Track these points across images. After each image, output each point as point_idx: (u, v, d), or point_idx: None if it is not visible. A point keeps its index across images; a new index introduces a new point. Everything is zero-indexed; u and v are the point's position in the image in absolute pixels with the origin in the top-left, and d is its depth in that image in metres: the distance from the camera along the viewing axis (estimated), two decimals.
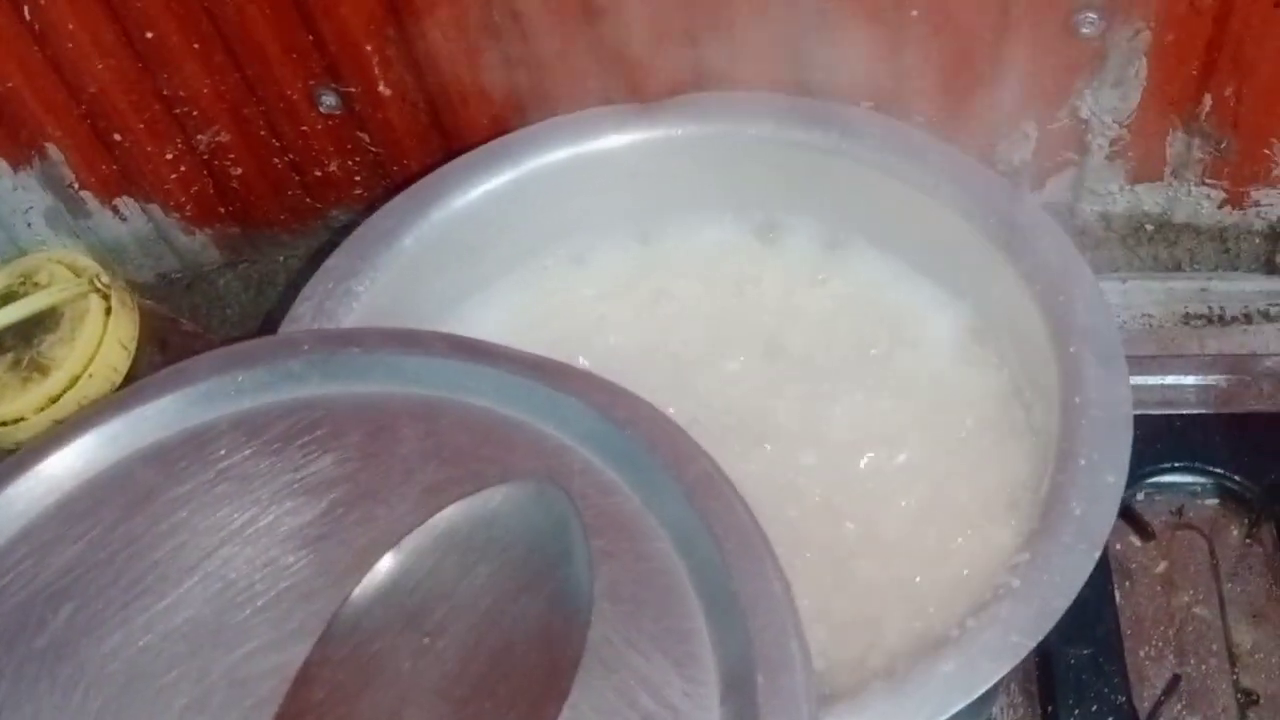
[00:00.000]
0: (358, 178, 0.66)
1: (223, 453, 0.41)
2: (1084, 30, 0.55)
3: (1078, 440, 0.40)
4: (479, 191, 0.52)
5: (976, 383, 0.47)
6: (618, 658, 0.35)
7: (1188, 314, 0.62)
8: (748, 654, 0.35)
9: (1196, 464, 0.53)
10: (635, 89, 0.59)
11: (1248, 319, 0.62)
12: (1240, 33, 0.54)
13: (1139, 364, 0.57)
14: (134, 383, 0.45)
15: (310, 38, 0.59)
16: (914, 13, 0.55)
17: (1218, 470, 0.52)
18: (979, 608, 0.37)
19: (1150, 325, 0.62)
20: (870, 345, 0.49)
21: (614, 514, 0.38)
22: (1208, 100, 0.58)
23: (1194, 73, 0.57)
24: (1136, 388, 0.56)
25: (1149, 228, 0.64)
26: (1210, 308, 0.63)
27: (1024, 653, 0.37)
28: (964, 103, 0.59)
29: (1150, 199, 0.63)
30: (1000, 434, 0.46)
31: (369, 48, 0.59)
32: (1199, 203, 0.63)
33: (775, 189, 0.52)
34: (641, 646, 0.35)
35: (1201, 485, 0.53)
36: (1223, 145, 0.60)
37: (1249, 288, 0.63)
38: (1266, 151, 0.60)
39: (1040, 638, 0.37)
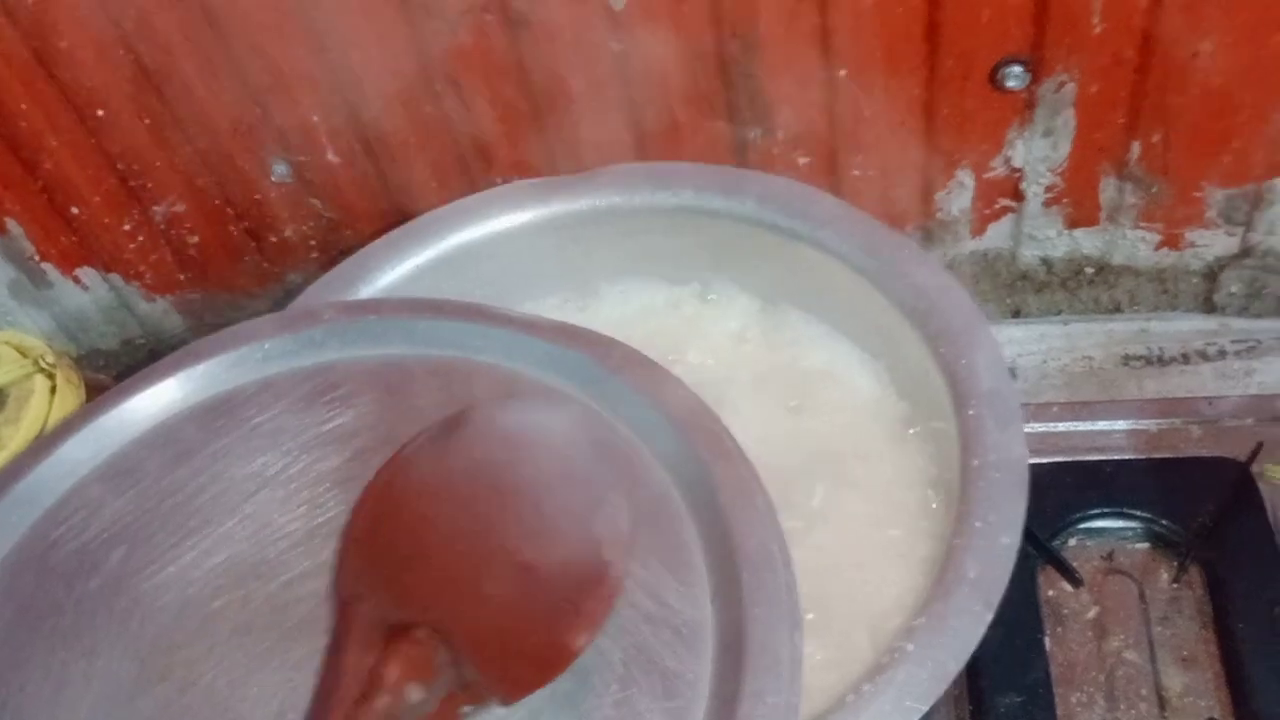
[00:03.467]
0: (313, 241, 0.67)
1: (254, 411, 0.46)
2: (1010, 84, 0.56)
3: (974, 502, 0.41)
4: (409, 266, 0.54)
5: (892, 440, 0.48)
6: None
7: (1127, 355, 0.63)
8: (733, 558, 0.39)
9: (1126, 509, 0.53)
10: (574, 156, 0.61)
11: (1185, 359, 0.63)
12: (1162, 83, 0.56)
13: (1071, 411, 0.59)
14: (174, 352, 0.50)
15: (259, 111, 0.60)
16: (842, 72, 0.56)
17: (1146, 515, 0.53)
18: (874, 672, 0.38)
19: (1091, 367, 0.63)
20: (793, 401, 0.50)
21: (612, 448, 0.42)
22: (1136, 148, 0.59)
23: (1121, 121, 0.58)
24: (1068, 434, 0.58)
25: (1089, 270, 0.65)
26: (1149, 348, 0.64)
27: (917, 717, 0.38)
28: (900, 155, 0.61)
29: (1088, 243, 0.64)
30: (911, 492, 0.47)
31: (316, 118, 0.60)
32: (1136, 245, 0.64)
33: (702, 255, 0.53)
34: (641, 557, 0.39)
35: (1131, 530, 0.54)
36: (1154, 190, 0.61)
37: (1187, 327, 0.64)
38: (1198, 195, 0.61)
39: (934, 701, 0.38)
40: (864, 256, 0.49)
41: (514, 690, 0.37)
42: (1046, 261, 0.66)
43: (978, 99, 0.58)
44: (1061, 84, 0.56)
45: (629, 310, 0.54)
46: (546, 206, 0.54)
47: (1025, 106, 0.58)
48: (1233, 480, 0.53)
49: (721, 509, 0.39)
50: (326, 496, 0.43)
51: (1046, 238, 0.64)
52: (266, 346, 0.47)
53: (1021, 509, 0.41)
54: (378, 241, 0.57)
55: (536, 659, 0.37)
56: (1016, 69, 0.56)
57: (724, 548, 0.39)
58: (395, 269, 0.54)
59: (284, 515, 0.42)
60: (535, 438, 0.43)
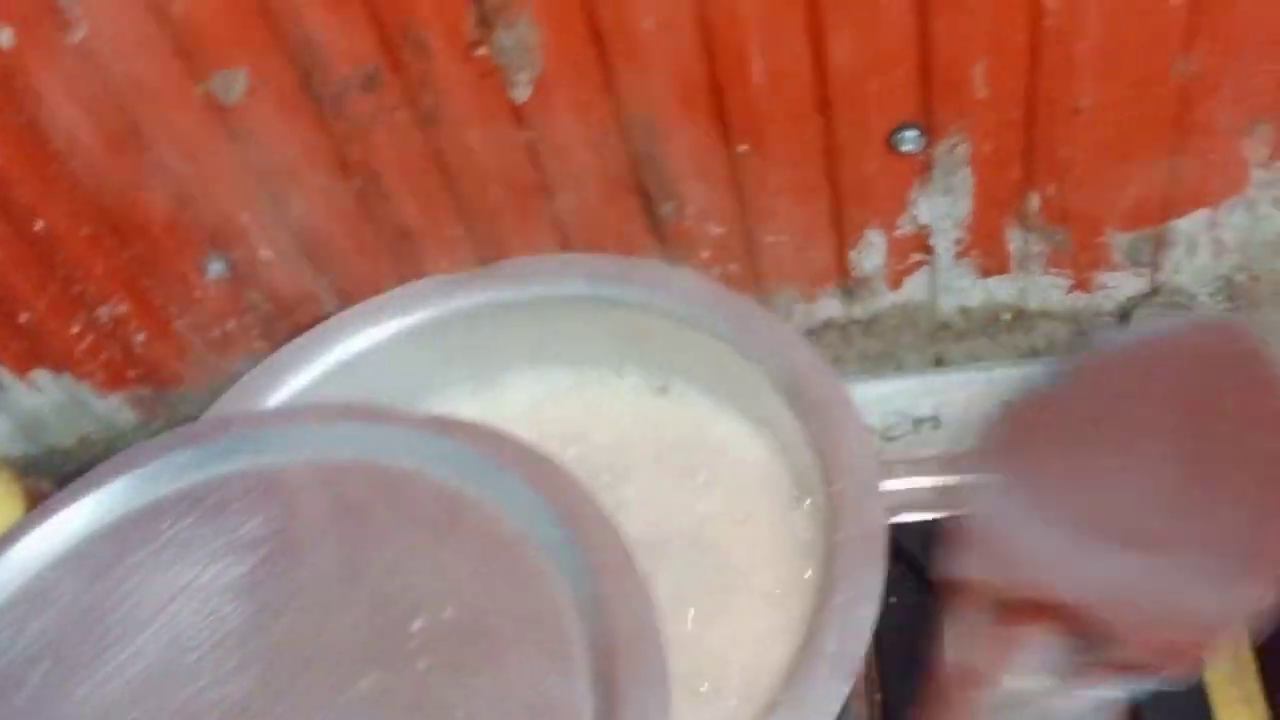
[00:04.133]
0: (256, 332, 0.69)
1: (166, 524, 0.49)
2: (906, 148, 0.59)
3: (836, 576, 0.43)
4: (318, 370, 0.56)
5: (785, 512, 0.50)
6: (504, 656, 0.42)
7: None
8: (611, 645, 0.41)
9: None
10: (498, 241, 0.63)
11: None
12: (1049, 139, 0.58)
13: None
14: (89, 471, 0.53)
15: (190, 213, 0.62)
16: (742, 148, 0.59)
17: None
18: None
19: None
20: (691, 478, 0.52)
21: (500, 541, 0.45)
22: (1035, 199, 0.61)
23: (1017, 177, 0.60)
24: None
25: (1006, 317, 0.67)
26: None
27: None
28: (809, 220, 0.63)
29: (1003, 290, 0.66)
30: (794, 565, 0.48)
31: (245, 217, 0.63)
32: (1049, 290, 0.66)
33: (602, 340, 0.56)
34: (525, 649, 0.42)
35: None
36: (1058, 238, 0.63)
37: None
38: (1101, 240, 0.63)
39: None
40: (741, 337, 0.51)
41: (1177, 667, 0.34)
42: (964, 310, 0.68)
43: (877, 163, 0.60)
44: (955, 145, 0.59)
45: (536, 395, 0.56)
46: (447, 303, 0.57)
47: (924, 168, 0.60)
48: None
49: (602, 598, 0.41)
50: (233, 605, 0.45)
51: (961, 288, 0.66)
52: (178, 460, 0.49)
53: (879, 582, 0.43)
54: (286, 348, 0.59)
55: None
56: (911, 134, 0.58)
57: (603, 635, 0.40)
58: (304, 375, 0.56)
59: (194, 625, 0.44)
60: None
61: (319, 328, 0.59)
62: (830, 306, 0.68)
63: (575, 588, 0.42)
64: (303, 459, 0.49)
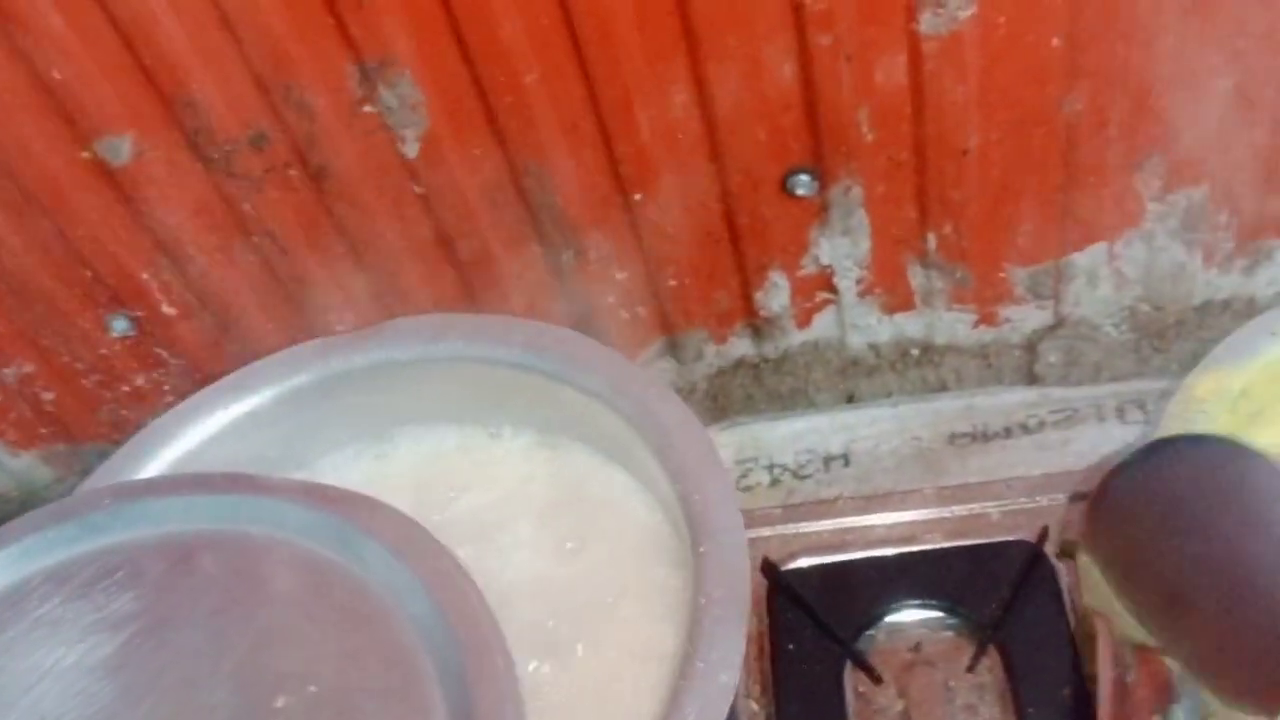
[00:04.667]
0: (166, 386, 0.69)
1: (35, 602, 0.49)
2: (800, 191, 0.59)
3: (698, 642, 0.43)
4: (199, 437, 0.56)
5: (671, 569, 0.50)
6: None
7: (953, 433, 0.66)
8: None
9: (928, 600, 0.55)
10: (400, 294, 0.63)
11: (1008, 433, 0.65)
12: (940, 179, 0.58)
13: (878, 502, 0.60)
14: None
15: (89, 273, 0.62)
16: (637, 196, 0.59)
17: (947, 604, 0.55)
18: None
19: (919, 447, 0.65)
20: (574, 536, 0.52)
21: (366, 614, 0.45)
22: (932, 238, 0.61)
23: (912, 216, 0.60)
24: (873, 527, 0.60)
25: (914, 352, 0.68)
26: (974, 425, 0.66)
27: None
28: (711, 264, 0.63)
29: (910, 326, 0.67)
30: (664, 623, 0.48)
31: (145, 276, 0.62)
32: (954, 326, 0.66)
33: (485, 399, 0.56)
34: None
35: (935, 620, 0.55)
36: (959, 274, 0.63)
37: (1011, 400, 0.66)
38: (1001, 275, 0.63)
39: None
40: (615, 395, 0.51)
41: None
42: (873, 346, 0.68)
43: (774, 207, 0.60)
44: (848, 188, 0.59)
45: (421, 454, 0.56)
46: (328, 366, 0.57)
47: (820, 210, 0.60)
48: (1026, 562, 0.55)
49: (466, 674, 0.41)
50: (100, 685, 0.44)
51: (868, 325, 0.67)
52: (50, 536, 0.49)
53: (739, 648, 0.43)
54: (166, 415, 0.59)
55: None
56: (804, 178, 0.59)
57: (463, 709, 0.40)
58: (185, 441, 0.56)
59: (61, 706, 0.44)
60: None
61: (201, 393, 0.59)
62: (741, 346, 0.69)
63: (439, 663, 0.42)
64: (172, 532, 0.49)
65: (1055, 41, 0.53)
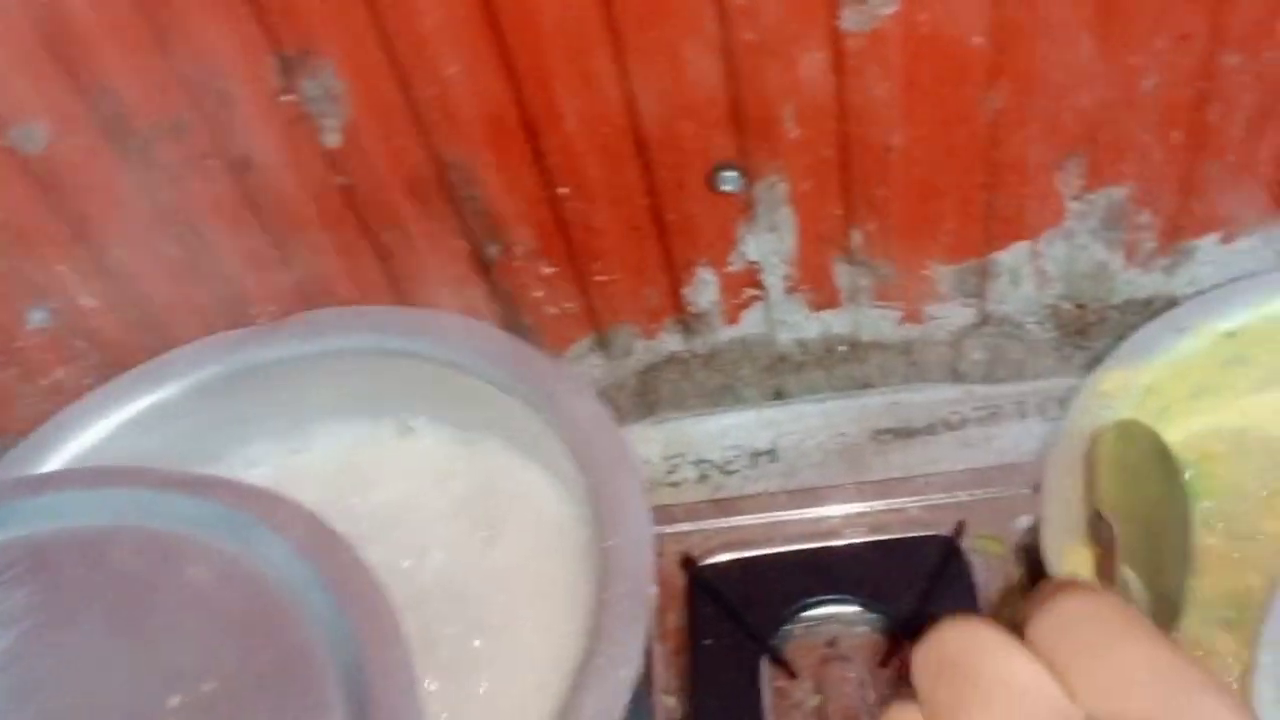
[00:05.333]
0: (87, 380, 0.68)
1: None
2: (726, 188, 0.59)
3: (600, 637, 0.43)
4: (109, 427, 0.55)
5: (581, 561, 0.50)
6: None
7: (878, 429, 0.66)
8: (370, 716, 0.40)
9: (845, 595, 0.56)
10: (326, 286, 0.62)
11: (931, 430, 0.65)
12: (865, 176, 0.58)
13: (801, 498, 0.61)
14: None
15: (4, 264, 0.61)
16: (563, 190, 0.59)
17: (863, 599, 0.55)
18: None
19: (844, 443, 0.65)
20: (487, 528, 0.51)
21: (265, 610, 0.44)
22: (857, 235, 0.62)
23: (838, 214, 0.61)
24: (794, 521, 0.61)
25: (841, 348, 0.68)
26: (899, 421, 0.66)
27: None
28: (639, 259, 0.63)
29: (837, 322, 0.67)
30: (569, 618, 0.48)
31: (62, 267, 0.61)
32: (880, 323, 0.66)
33: (399, 392, 0.55)
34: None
35: (851, 615, 0.56)
36: (884, 272, 0.64)
37: (935, 396, 0.67)
38: (926, 273, 0.64)
39: None
40: (528, 390, 0.51)
41: None
42: (801, 343, 0.68)
43: (701, 203, 0.60)
44: (774, 184, 0.59)
45: (335, 449, 0.56)
46: (237, 359, 0.56)
47: (747, 207, 0.60)
48: (941, 557, 0.55)
49: (364, 670, 0.40)
50: None
51: (796, 322, 0.67)
52: None
53: (640, 643, 0.43)
54: (71, 407, 0.58)
55: None
56: (731, 174, 0.59)
57: (361, 706, 0.40)
58: (91, 435, 0.55)
59: None
60: None
61: (110, 384, 0.58)
62: (671, 341, 0.69)
63: (339, 660, 0.41)
64: (71, 526, 0.48)
65: (976, 40, 0.53)
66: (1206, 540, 0.53)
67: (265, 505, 0.45)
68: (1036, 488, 0.53)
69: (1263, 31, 0.54)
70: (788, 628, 0.55)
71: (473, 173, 0.57)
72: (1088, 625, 0.30)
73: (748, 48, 0.53)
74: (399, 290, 0.63)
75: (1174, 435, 0.53)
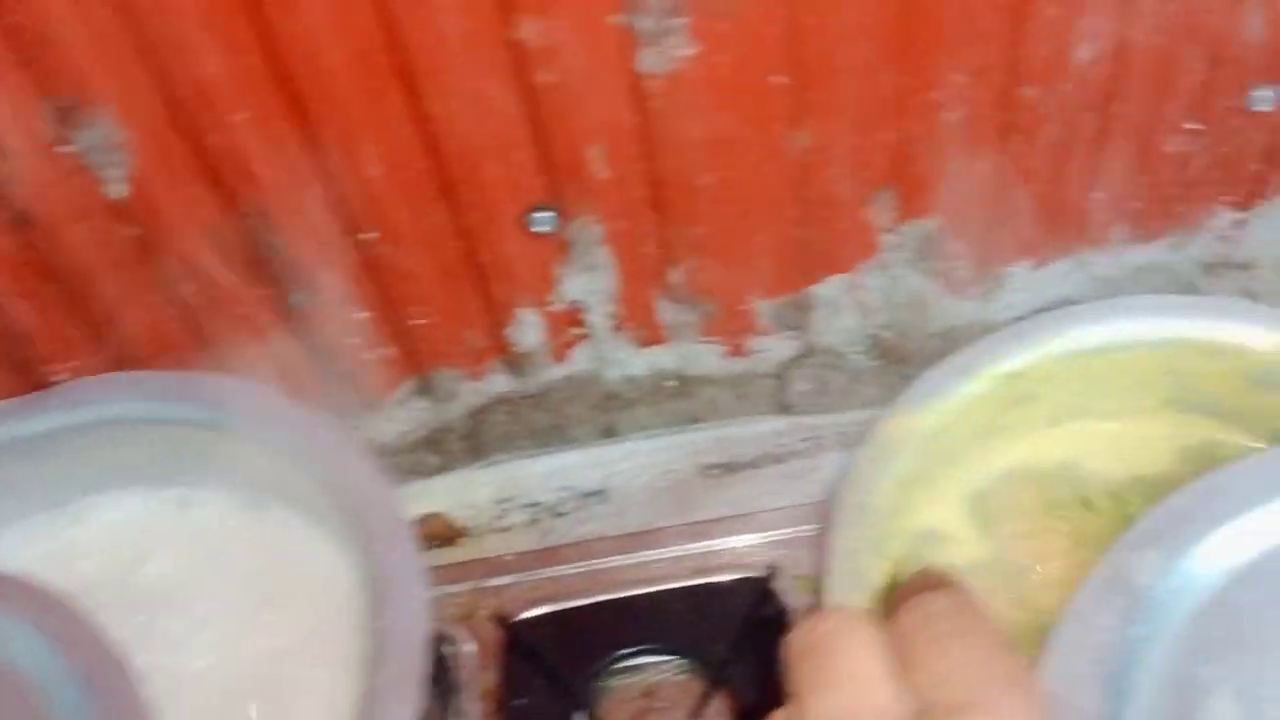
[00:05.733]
0: None
1: None
2: (539, 228, 0.58)
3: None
4: None
5: (346, 643, 0.48)
6: None
7: (706, 464, 0.66)
8: None
9: (661, 642, 0.55)
10: (128, 344, 0.59)
11: (756, 464, 0.65)
12: (676, 216, 0.58)
13: (623, 542, 0.60)
14: None
15: None
16: (370, 235, 0.57)
17: (679, 646, 0.55)
18: None
19: (673, 480, 0.65)
20: (265, 602, 0.50)
21: (9, 699, 0.42)
22: (676, 273, 0.61)
23: (654, 252, 0.60)
24: (614, 569, 0.60)
25: (670, 384, 0.68)
26: (726, 455, 0.66)
27: None
28: (456, 302, 0.62)
29: (664, 359, 0.66)
30: (343, 702, 0.47)
31: None
32: (706, 357, 0.66)
33: (178, 460, 0.53)
34: None
35: (668, 662, 0.55)
36: (705, 308, 0.63)
37: (762, 429, 0.67)
38: (746, 308, 0.64)
39: None
40: (304, 456, 0.50)
41: None
42: (630, 380, 0.68)
43: (516, 244, 0.59)
44: (587, 225, 0.58)
45: (112, 521, 0.53)
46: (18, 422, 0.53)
47: (563, 247, 0.59)
48: (754, 600, 0.55)
49: None
50: None
51: (623, 359, 0.66)
52: None
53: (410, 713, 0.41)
54: None
55: None
56: (544, 215, 0.58)
57: None
58: None
59: None
60: None
61: None
62: (499, 382, 0.67)
63: None
64: None
65: (778, 79, 0.53)
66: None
67: (8, 591, 0.42)
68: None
69: (1058, 64, 0.55)
70: (603, 681, 0.54)
71: (271, 219, 0.55)
72: (940, 621, 0.36)
73: (548, 89, 0.52)
74: (204, 342, 0.60)
75: (960, 479, 0.53)
